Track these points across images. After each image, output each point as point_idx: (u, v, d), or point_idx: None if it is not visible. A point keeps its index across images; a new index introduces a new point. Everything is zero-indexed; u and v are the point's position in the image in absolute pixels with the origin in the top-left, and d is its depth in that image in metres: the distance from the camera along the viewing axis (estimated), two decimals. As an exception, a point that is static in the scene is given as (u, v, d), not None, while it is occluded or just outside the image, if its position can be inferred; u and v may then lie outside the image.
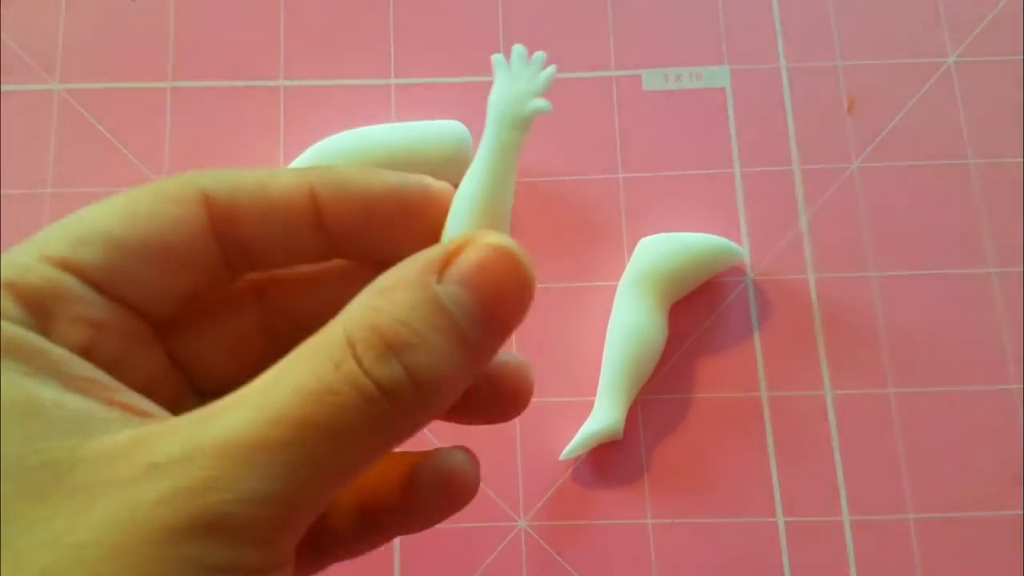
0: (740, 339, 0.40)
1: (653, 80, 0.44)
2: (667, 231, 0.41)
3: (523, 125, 0.23)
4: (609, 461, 0.38)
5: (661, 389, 0.39)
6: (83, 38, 0.44)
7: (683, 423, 0.39)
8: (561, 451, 0.38)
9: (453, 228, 0.23)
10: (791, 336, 0.40)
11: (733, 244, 0.40)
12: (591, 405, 0.39)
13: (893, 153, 0.43)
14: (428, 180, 0.24)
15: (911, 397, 0.39)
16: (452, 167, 0.41)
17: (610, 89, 0.44)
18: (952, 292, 0.41)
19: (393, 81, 0.44)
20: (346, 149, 0.40)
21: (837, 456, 0.38)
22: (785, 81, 0.44)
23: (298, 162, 0.41)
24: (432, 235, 0.23)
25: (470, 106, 0.43)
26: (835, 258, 0.41)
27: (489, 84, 0.44)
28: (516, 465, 0.38)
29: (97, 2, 0.45)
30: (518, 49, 0.24)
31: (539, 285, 0.40)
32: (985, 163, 0.42)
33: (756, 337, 0.40)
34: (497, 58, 0.24)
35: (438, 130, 0.41)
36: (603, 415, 0.38)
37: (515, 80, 0.24)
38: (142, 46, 0.44)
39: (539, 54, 0.24)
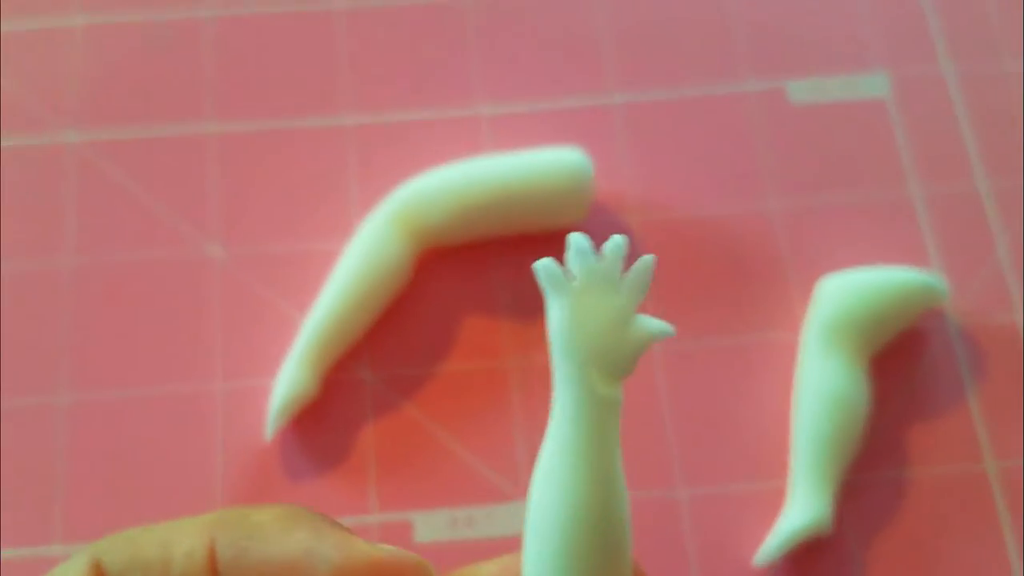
0: (951, 398, 0.32)
1: (800, 92, 0.36)
2: (842, 267, 0.33)
3: (630, 367, 0.16)
4: (816, 565, 0.30)
5: (867, 467, 0.31)
6: (100, 77, 0.36)
7: (900, 509, 0.31)
8: (752, 555, 0.29)
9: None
10: (1011, 390, 0.32)
11: (937, 279, 0.32)
12: (781, 492, 0.30)
13: (1092, 163, 0.35)
14: (357, 550, 0.18)
15: None
16: (571, 203, 0.33)
17: (749, 105, 0.36)
18: None
19: (483, 110, 0.36)
20: (442, 190, 0.33)
21: (1098, 540, 0.30)
22: (954, 88, 0.37)
23: (385, 208, 0.33)
24: None
25: (579, 133, 0.36)
26: (1049, 292, 0.34)
27: (599, 107, 0.37)
28: (692, 576, 0.30)
29: (116, 37, 0.37)
30: (578, 242, 0.16)
31: (693, 343, 0.33)
32: None
33: (970, 394, 0.32)
34: (544, 266, 0.16)
35: (554, 160, 0.33)
36: (805, 504, 0.29)
37: (589, 294, 0.16)
38: (172, 83, 0.36)
39: (617, 239, 0.16)
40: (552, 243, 0.34)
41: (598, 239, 0.34)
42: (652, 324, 0.16)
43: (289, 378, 0.31)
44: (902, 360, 0.32)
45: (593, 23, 0.38)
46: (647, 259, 0.16)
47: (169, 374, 0.32)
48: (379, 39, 0.38)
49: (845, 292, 0.31)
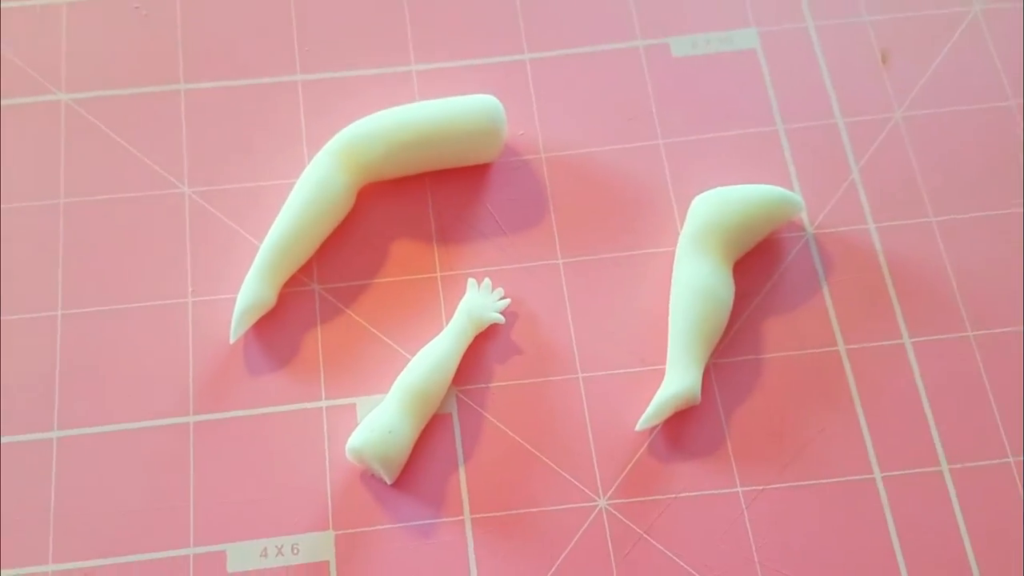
0: (808, 295, 0.38)
1: (682, 47, 0.43)
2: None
3: (482, 326, 0.36)
4: (687, 430, 0.36)
5: (733, 351, 0.37)
6: (87, 47, 0.42)
7: (761, 384, 0.37)
8: (634, 424, 0.35)
9: (416, 381, 0.35)
10: (860, 288, 0.38)
11: (793, 193, 0.38)
12: (661, 374, 0.36)
13: (934, 101, 0.42)
14: None
15: (990, 338, 0.37)
16: (487, 141, 0.39)
17: (639, 58, 0.42)
18: (1013, 232, 0.39)
19: (414, 67, 0.42)
20: (378, 130, 0.38)
21: (927, 405, 0.36)
22: (815, 39, 0.43)
23: (330, 146, 0.38)
24: None
25: (496, 85, 0.41)
26: (893, 206, 0.40)
27: (513, 63, 0.43)
28: (588, 442, 0.36)
29: (100, 10, 0.43)
30: (487, 282, 0.37)
31: (589, 257, 0.39)
32: (1028, 102, 0.41)
33: (825, 291, 0.38)
34: (472, 281, 0.37)
35: (472, 104, 0.39)
36: (678, 379, 0.35)
37: (483, 296, 0.37)
38: (149, 51, 0.42)
39: (499, 291, 0.37)
40: (471, 177, 0.40)
41: (509, 173, 0.41)
42: (498, 315, 0.36)
43: (248, 290, 0.37)
44: (764, 264, 0.38)
45: (508, -8, 0.44)
46: (507, 300, 0.37)
47: (148, 292, 0.38)
48: (325, 8, 0.43)
49: (713, 205, 0.37)
